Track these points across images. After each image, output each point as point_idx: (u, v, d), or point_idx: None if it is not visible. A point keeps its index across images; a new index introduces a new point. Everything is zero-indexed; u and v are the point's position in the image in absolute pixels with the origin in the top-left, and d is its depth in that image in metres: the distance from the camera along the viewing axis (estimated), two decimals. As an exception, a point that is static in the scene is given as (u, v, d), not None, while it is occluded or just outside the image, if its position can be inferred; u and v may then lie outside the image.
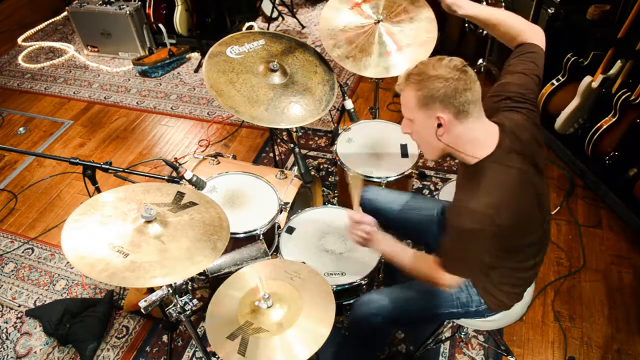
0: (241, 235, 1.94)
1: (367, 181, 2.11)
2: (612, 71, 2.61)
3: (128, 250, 1.26)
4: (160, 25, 4.05)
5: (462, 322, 1.70)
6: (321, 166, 3.05)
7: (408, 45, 2.19)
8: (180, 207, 1.43)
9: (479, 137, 1.32)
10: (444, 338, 2.12)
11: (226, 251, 1.76)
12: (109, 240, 1.28)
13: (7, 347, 2.24)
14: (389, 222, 1.92)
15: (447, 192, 2.12)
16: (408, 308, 1.62)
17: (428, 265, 1.42)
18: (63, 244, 1.26)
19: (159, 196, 1.45)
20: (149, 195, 1.45)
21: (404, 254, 1.52)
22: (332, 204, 2.70)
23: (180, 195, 1.46)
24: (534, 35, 1.50)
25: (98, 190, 1.67)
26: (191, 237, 1.34)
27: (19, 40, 4.68)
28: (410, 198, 1.90)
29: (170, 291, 1.45)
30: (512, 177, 1.31)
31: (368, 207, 1.89)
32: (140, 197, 1.43)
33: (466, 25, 3.29)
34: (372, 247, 1.59)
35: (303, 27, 4.50)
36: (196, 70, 4.07)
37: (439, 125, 1.31)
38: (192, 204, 1.45)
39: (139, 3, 4.09)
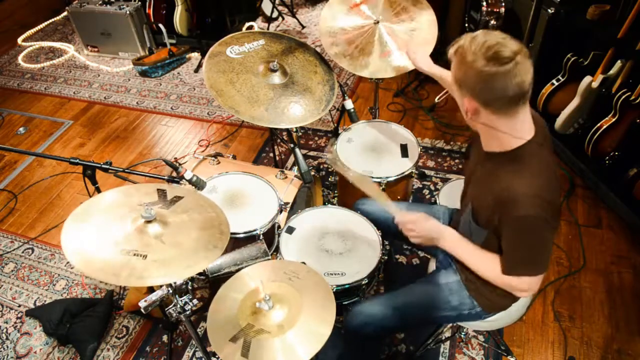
0: (241, 235, 1.94)
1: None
2: (612, 71, 2.61)
3: (143, 251, 1.26)
4: (160, 25, 4.05)
5: (462, 322, 1.70)
6: (321, 166, 3.05)
7: (406, 45, 2.19)
8: (170, 202, 1.44)
9: (515, 127, 1.28)
10: (444, 338, 2.12)
11: (226, 251, 1.76)
12: (119, 248, 1.27)
13: (7, 347, 2.24)
14: (388, 232, 1.92)
15: (447, 192, 2.12)
16: (400, 315, 1.60)
17: (494, 273, 1.38)
18: (77, 265, 1.24)
19: (142, 196, 1.45)
20: (133, 198, 1.43)
21: (472, 258, 1.45)
22: (332, 204, 2.70)
23: (162, 192, 1.47)
24: None
25: (98, 190, 1.67)
26: (196, 227, 1.36)
27: (19, 40, 4.68)
28: (407, 206, 1.90)
29: (170, 291, 1.45)
30: (551, 160, 1.31)
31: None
32: (125, 200, 1.42)
33: (466, 25, 3.29)
34: (439, 245, 1.50)
35: (303, 27, 4.50)
36: (196, 70, 4.07)
37: (468, 109, 1.29)
38: (178, 197, 1.46)
39: (139, 3, 4.09)
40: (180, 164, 1.81)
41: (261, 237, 1.94)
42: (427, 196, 2.80)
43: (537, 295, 2.27)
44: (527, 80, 1.18)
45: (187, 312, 1.50)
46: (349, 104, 2.32)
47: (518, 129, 1.28)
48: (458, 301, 1.58)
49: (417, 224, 1.51)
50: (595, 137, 2.63)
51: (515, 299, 1.59)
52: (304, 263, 1.70)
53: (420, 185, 2.86)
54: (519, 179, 1.26)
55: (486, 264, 1.42)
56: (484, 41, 1.18)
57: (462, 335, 2.14)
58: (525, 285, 1.36)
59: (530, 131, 1.30)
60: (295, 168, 2.19)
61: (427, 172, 2.94)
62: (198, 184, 1.78)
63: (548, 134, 1.40)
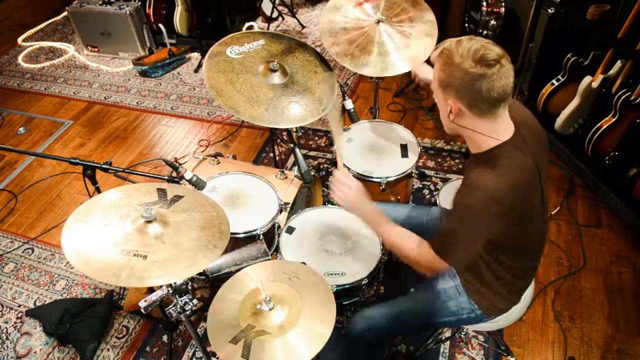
0: (241, 235, 1.94)
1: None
2: (612, 71, 2.61)
3: (143, 252, 1.26)
4: (160, 25, 4.05)
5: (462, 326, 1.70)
6: (321, 166, 3.05)
7: (407, 45, 2.19)
8: (170, 202, 1.44)
9: (493, 128, 1.30)
10: (444, 338, 2.12)
11: (226, 251, 1.76)
12: (119, 248, 1.27)
13: (7, 347, 2.24)
14: None
15: (447, 193, 2.12)
16: (400, 322, 1.64)
17: (419, 249, 1.40)
18: (77, 265, 1.24)
19: (142, 197, 1.45)
20: (133, 198, 1.43)
21: (399, 238, 1.48)
22: (332, 204, 2.70)
23: (162, 191, 1.47)
24: None
25: (98, 190, 1.67)
26: (196, 227, 1.37)
27: (19, 40, 4.68)
28: (404, 208, 1.91)
29: (170, 291, 1.45)
30: (527, 165, 1.31)
31: None
32: (125, 200, 1.42)
33: (466, 25, 3.29)
34: (361, 218, 1.56)
35: (303, 27, 4.50)
36: (196, 70, 4.07)
37: (451, 110, 1.31)
38: (179, 197, 1.45)
39: (139, 3, 4.09)
40: (180, 164, 1.81)
41: (261, 237, 1.95)
42: (427, 196, 2.80)
43: (537, 295, 2.27)
44: (510, 83, 1.23)
45: (187, 312, 1.50)
46: (349, 104, 2.32)
47: (496, 130, 1.30)
48: (456, 307, 1.59)
49: (351, 192, 1.53)
50: (595, 137, 2.63)
51: (515, 302, 1.59)
52: (304, 263, 1.70)
53: (420, 185, 2.86)
54: (483, 176, 1.29)
55: (408, 240, 1.45)
56: (470, 45, 1.22)
57: (462, 335, 2.14)
58: (429, 259, 1.37)
59: (508, 133, 1.32)
60: (295, 168, 2.19)
61: (427, 172, 2.94)
62: (198, 184, 1.78)
63: (541, 136, 1.40)
